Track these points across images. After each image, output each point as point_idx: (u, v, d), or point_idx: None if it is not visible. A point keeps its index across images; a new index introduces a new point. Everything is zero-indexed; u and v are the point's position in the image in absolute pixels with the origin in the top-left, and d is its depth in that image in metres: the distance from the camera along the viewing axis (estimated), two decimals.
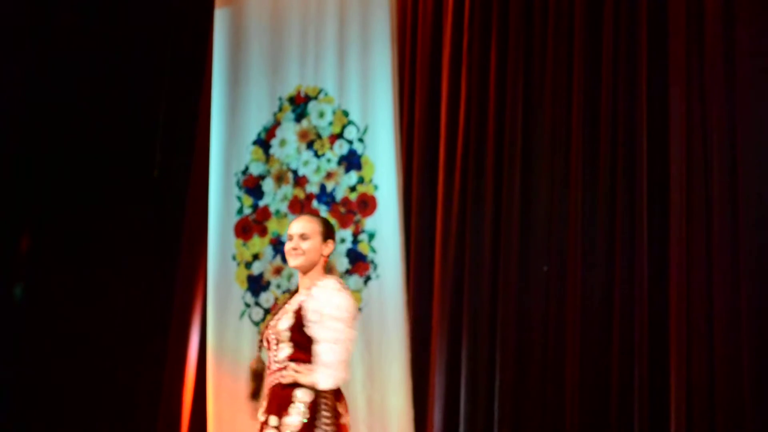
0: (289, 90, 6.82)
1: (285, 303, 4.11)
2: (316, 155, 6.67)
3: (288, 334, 3.98)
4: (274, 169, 6.77)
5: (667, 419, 5.56)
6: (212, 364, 6.60)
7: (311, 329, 3.95)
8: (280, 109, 6.82)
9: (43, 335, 7.12)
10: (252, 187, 6.81)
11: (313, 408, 3.89)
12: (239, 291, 6.66)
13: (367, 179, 6.51)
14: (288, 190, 6.71)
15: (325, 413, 3.89)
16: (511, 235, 6.14)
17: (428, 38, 6.64)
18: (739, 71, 5.70)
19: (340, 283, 4.07)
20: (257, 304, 6.63)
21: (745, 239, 5.54)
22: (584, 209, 6.01)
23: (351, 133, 6.61)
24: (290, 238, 4.10)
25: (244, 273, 6.70)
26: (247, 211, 6.79)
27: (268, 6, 6.95)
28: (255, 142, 6.85)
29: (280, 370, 3.97)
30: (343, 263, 6.46)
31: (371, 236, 6.44)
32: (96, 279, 7.13)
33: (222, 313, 6.65)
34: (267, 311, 6.52)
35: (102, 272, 7.12)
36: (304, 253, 4.07)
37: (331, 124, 6.66)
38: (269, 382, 3.99)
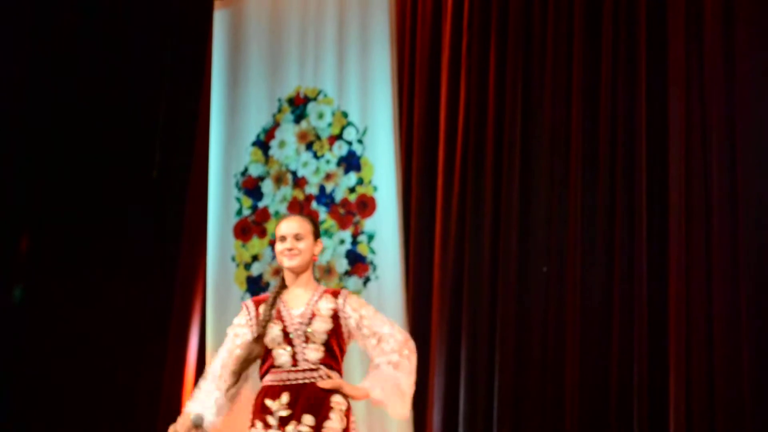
0: (289, 91, 6.83)
1: (277, 298, 4.08)
2: (316, 156, 6.67)
3: (325, 337, 4.03)
4: (274, 170, 6.77)
5: (667, 419, 5.56)
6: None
7: (367, 346, 4.09)
8: (280, 111, 6.83)
9: (43, 336, 7.11)
10: (251, 188, 6.81)
11: (348, 415, 4.01)
12: (238, 292, 6.66)
13: (366, 180, 6.51)
14: (287, 191, 6.71)
15: (353, 420, 4.04)
16: (510, 235, 6.14)
17: (427, 39, 6.64)
18: (738, 71, 5.71)
19: None
20: None
21: (745, 239, 5.54)
22: (584, 210, 6.01)
23: (350, 134, 6.61)
24: (283, 239, 4.10)
25: (244, 274, 6.71)
26: (247, 212, 6.80)
27: (268, 7, 6.95)
28: (254, 144, 6.85)
29: (311, 370, 3.99)
30: (342, 264, 6.46)
31: (370, 237, 6.44)
32: (95, 280, 7.12)
33: (221, 314, 6.64)
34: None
35: (101, 273, 7.11)
36: (300, 253, 4.08)
37: (330, 125, 6.66)
38: (291, 378, 3.98)
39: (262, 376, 4.05)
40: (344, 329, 4.08)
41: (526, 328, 6.05)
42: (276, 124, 6.82)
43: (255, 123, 6.87)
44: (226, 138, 6.90)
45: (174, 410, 6.77)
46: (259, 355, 4.04)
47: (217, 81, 6.97)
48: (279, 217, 6.64)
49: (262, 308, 4.09)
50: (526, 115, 6.27)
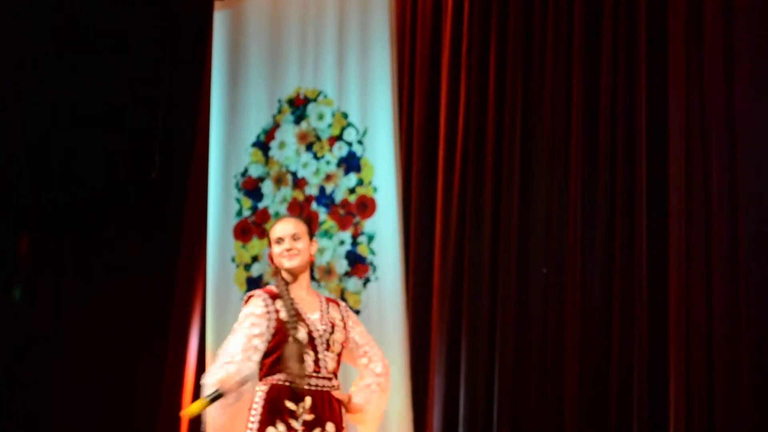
0: (289, 92, 6.83)
1: (292, 299, 4.06)
2: (316, 157, 6.67)
3: (340, 348, 4.07)
4: (274, 171, 6.77)
5: (667, 419, 5.56)
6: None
7: (359, 363, 4.16)
8: (280, 111, 6.83)
9: (43, 336, 7.12)
10: (251, 189, 6.81)
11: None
12: (238, 293, 6.66)
13: (366, 181, 6.51)
14: (287, 192, 6.71)
15: None
16: (510, 236, 6.14)
17: (427, 40, 6.64)
18: (738, 72, 5.71)
19: None
20: None
21: (745, 240, 5.54)
22: (584, 210, 6.01)
23: (350, 135, 6.61)
24: (280, 240, 4.08)
25: (244, 275, 6.70)
26: (247, 213, 6.80)
27: (268, 8, 6.95)
28: (254, 144, 6.85)
29: (328, 379, 4.01)
30: (342, 265, 6.46)
31: (370, 238, 6.44)
32: (95, 280, 7.13)
33: (221, 315, 6.64)
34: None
35: (101, 274, 7.12)
36: (299, 252, 4.08)
37: (330, 126, 6.66)
38: (313, 383, 3.97)
39: (268, 372, 3.99)
40: (349, 343, 4.13)
41: (526, 328, 6.05)
42: (276, 125, 6.82)
43: (255, 124, 6.87)
44: (226, 139, 6.89)
45: (174, 411, 6.81)
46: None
47: (217, 82, 6.97)
48: (279, 218, 6.64)
49: (279, 304, 4.04)
50: (526, 115, 6.27)
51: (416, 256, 6.42)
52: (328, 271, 6.48)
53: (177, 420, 6.80)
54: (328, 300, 4.18)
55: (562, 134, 6.15)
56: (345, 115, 6.64)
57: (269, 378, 3.97)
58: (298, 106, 6.77)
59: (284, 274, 4.11)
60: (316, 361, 3.98)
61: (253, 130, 6.87)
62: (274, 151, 6.79)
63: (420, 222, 6.48)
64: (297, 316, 3.99)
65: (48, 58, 7.31)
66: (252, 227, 6.76)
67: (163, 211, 7.17)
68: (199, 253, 6.91)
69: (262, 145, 6.83)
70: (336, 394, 4.02)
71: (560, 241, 6.03)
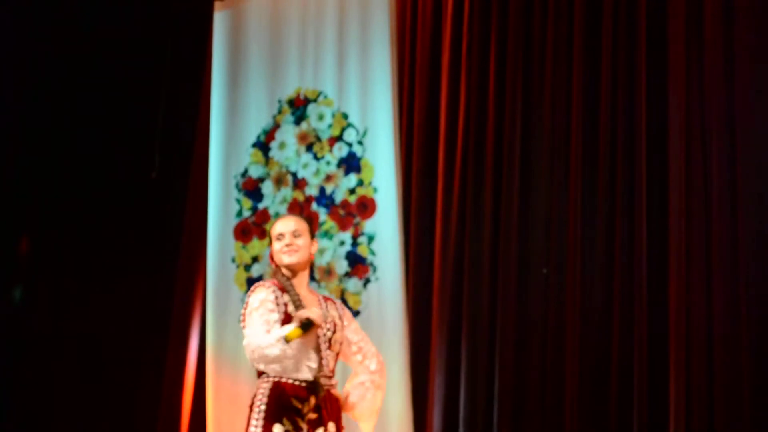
0: (289, 92, 6.83)
1: (296, 295, 4.06)
2: (316, 158, 6.67)
3: (339, 348, 4.06)
4: (274, 171, 6.77)
5: (666, 420, 5.56)
6: (212, 366, 6.59)
7: (352, 361, 4.17)
8: (280, 112, 6.83)
9: (43, 336, 7.12)
10: (251, 189, 6.81)
11: None
12: (238, 293, 6.66)
13: (366, 182, 6.51)
14: (287, 192, 6.71)
15: None
16: (510, 237, 6.14)
17: (428, 41, 6.64)
18: (738, 72, 5.71)
19: None
20: None
21: (745, 240, 5.54)
22: (584, 211, 6.01)
23: (350, 135, 6.61)
24: (281, 237, 4.09)
25: (244, 275, 6.70)
26: (247, 213, 6.79)
27: (268, 8, 6.95)
28: (254, 145, 6.85)
29: (328, 377, 4.02)
30: (342, 266, 6.46)
31: (370, 239, 6.44)
32: (95, 281, 7.13)
33: (221, 315, 6.64)
34: None
35: (101, 274, 7.13)
36: (299, 249, 4.09)
37: (330, 126, 6.66)
38: (323, 382, 3.98)
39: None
40: (343, 341, 4.15)
41: (526, 328, 6.05)
42: (276, 126, 6.82)
43: (255, 124, 6.87)
44: (226, 139, 6.89)
45: (174, 413, 6.81)
46: None
47: (217, 82, 6.97)
48: (280, 216, 6.64)
49: (287, 298, 4.03)
50: (526, 116, 6.27)
51: (416, 257, 6.42)
52: (328, 272, 6.48)
53: (177, 420, 6.81)
54: (326, 299, 4.19)
55: (562, 134, 6.15)
56: (345, 116, 6.64)
57: (272, 375, 3.96)
58: (299, 107, 6.78)
59: (284, 271, 4.11)
60: (320, 360, 3.98)
61: (253, 130, 6.87)
62: (275, 152, 6.79)
63: (420, 222, 6.48)
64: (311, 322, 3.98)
65: (48, 58, 7.32)
66: (252, 228, 6.76)
67: (163, 212, 7.17)
68: (199, 254, 6.91)
69: (262, 146, 6.83)
70: (334, 392, 4.03)
71: (560, 241, 6.03)
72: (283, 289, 4.05)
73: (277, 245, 4.10)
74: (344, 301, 6.37)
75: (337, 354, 4.11)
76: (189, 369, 6.86)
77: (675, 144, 5.75)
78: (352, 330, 4.18)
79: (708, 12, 5.80)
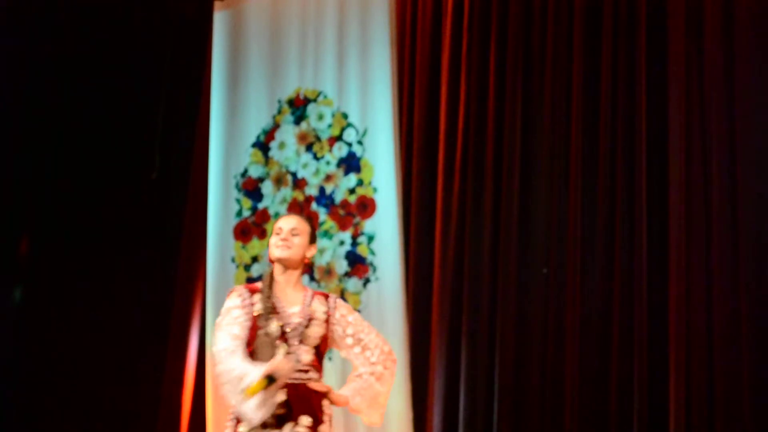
0: (289, 92, 6.83)
1: (271, 291, 4.07)
2: (315, 158, 6.68)
3: (317, 342, 4.06)
4: (273, 171, 6.77)
5: (666, 420, 5.56)
6: (211, 366, 6.59)
7: (350, 355, 4.13)
8: (280, 112, 6.83)
9: (42, 337, 7.12)
10: (251, 189, 6.81)
11: (330, 421, 4.07)
12: None
13: (366, 182, 6.51)
14: (287, 192, 6.71)
15: (333, 427, 4.08)
16: (510, 237, 6.14)
17: (427, 41, 6.64)
18: (738, 72, 5.71)
19: None
20: None
21: (745, 241, 5.54)
22: (584, 211, 6.01)
23: (350, 135, 6.61)
24: (279, 231, 4.13)
25: (243, 275, 6.71)
26: (246, 213, 6.80)
27: (268, 9, 6.95)
28: (254, 145, 6.85)
29: (302, 371, 4.00)
30: (342, 266, 6.46)
31: (370, 239, 6.44)
32: (95, 281, 7.13)
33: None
34: None
35: (101, 274, 7.12)
36: (292, 246, 4.10)
37: (330, 126, 6.66)
38: (297, 376, 3.98)
39: None
40: (330, 335, 4.12)
41: (526, 328, 6.05)
42: (276, 126, 6.82)
43: (255, 124, 6.87)
44: (226, 139, 6.90)
45: (174, 413, 6.81)
46: None
47: (217, 82, 6.97)
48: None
49: (257, 298, 4.06)
50: (526, 116, 6.27)
51: (416, 257, 6.42)
52: (328, 272, 6.48)
53: (177, 420, 6.81)
54: (317, 294, 4.16)
55: (562, 134, 6.15)
56: (345, 116, 6.64)
57: None
58: (298, 107, 6.78)
59: (276, 268, 4.12)
60: (288, 355, 4.00)
61: (253, 130, 6.87)
62: (274, 152, 6.79)
63: (420, 222, 6.47)
64: (271, 310, 4.01)
65: (48, 58, 7.32)
66: (252, 228, 6.76)
67: (163, 212, 7.17)
68: (199, 254, 6.91)
69: (262, 146, 6.83)
70: (314, 385, 4.01)
71: (560, 241, 6.03)
72: (255, 290, 4.07)
73: (273, 239, 4.13)
74: (344, 301, 6.36)
75: (319, 348, 4.07)
76: (189, 369, 6.86)
77: (675, 144, 5.75)
78: (351, 323, 4.15)
79: (708, 12, 5.80)
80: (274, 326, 3.99)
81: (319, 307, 4.10)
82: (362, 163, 6.54)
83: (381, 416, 4.14)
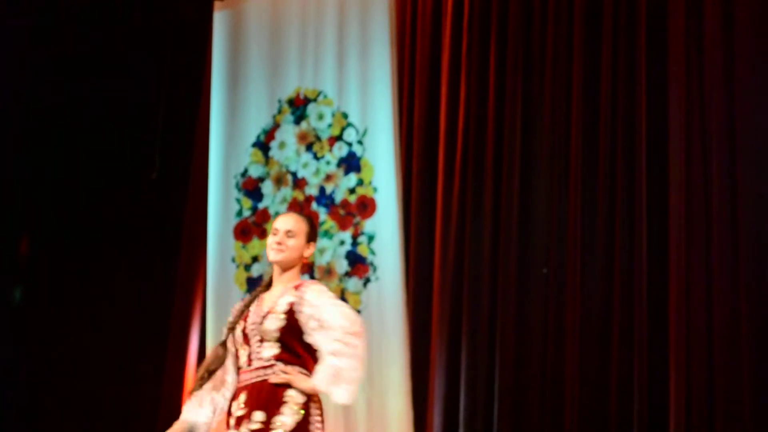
0: (289, 92, 6.83)
1: (256, 297, 4.08)
2: (316, 157, 6.67)
3: (277, 335, 3.99)
4: (274, 171, 6.77)
5: (667, 420, 5.55)
6: None
7: (315, 338, 3.98)
8: (280, 112, 6.83)
9: (43, 337, 7.12)
10: (251, 189, 6.81)
11: (306, 409, 3.92)
12: (239, 293, 6.66)
13: (366, 181, 6.51)
14: (287, 192, 6.71)
15: (316, 415, 3.94)
16: (510, 237, 6.13)
17: (427, 40, 6.64)
18: (738, 72, 5.70)
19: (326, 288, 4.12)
20: None
21: (745, 241, 5.53)
22: (584, 211, 6.00)
23: (350, 135, 6.61)
24: (275, 232, 4.10)
25: (244, 275, 6.70)
26: (247, 213, 6.80)
27: (268, 8, 6.95)
28: (254, 145, 6.85)
29: (264, 368, 3.95)
30: (342, 265, 6.46)
31: (370, 238, 6.44)
32: (96, 281, 7.13)
33: (221, 315, 6.63)
34: None
35: (101, 274, 7.13)
36: (287, 249, 4.07)
37: (330, 126, 6.66)
38: (248, 378, 3.96)
39: None
40: (297, 324, 4.00)
41: (526, 328, 6.05)
42: (276, 125, 6.82)
43: (255, 124, 6.87)
44: (226, 139, 6.90)
45: (174, 412, 6.80)
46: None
47: (217, 82, 6.97)
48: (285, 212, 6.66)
49: (239, 305, 4.12)
50: (526, 116, 6.27)
51: (416, 256, 6.42)
52: (329, 271, 6.48)
53: (177, 420, 6.81)
54: (296, 286, 4.09)
55: (562, 134, 6.15)
56: (345, 116, 6.63)
57: None
58: (298, 107, 6.77)
59: (274, 269, 4.12)
60: (249, 356, 3.99)
61: (253, 130, 6.87)
62: (274, 152, 6.79)
63: (420, 222, 6.47)
64: (236, 320, 4.05)
65: (48, 58, 7.32)
66: (252, 227, 6.76)
67: (164, 212, 7.17)
68: (199, 254, 6.91)
69: (262, 146, 6.83)
70: (273, 378, 3.96)
71: (560, 241, 6.03)
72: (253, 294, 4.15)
73: (270, 239, 4.12)
74: (344, 301, 6.36)
75: (282, 340, 4.02)
76: (189, 369, 6.86)
77: (675, 144, 5.75)
78: (314, 305, 4.00)
79: (708, 12, 5.79)
80: (238, 331, 4.04)
81: (283, 300, 4.05)
82: (362, 162, 6.53)
83: (350, 393, 3.91)
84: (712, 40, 5.77)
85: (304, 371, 3.96)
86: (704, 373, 5.49)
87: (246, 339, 4.00)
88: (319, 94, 6.73)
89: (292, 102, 6.80)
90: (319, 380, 3.90)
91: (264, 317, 4.01)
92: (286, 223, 4.12)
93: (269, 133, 6.83)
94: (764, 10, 5.67)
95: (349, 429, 6.17)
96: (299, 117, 6.76)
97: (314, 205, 6.60)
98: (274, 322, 3.99)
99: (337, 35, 6.70)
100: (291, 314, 3.99)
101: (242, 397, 3.94)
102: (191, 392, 4.13)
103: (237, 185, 6.83)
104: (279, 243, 4.07)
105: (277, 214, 6.67)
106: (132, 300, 7.02)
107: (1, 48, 7.05)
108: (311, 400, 3.94)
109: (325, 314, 3.97)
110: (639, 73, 5.94)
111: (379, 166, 6.48)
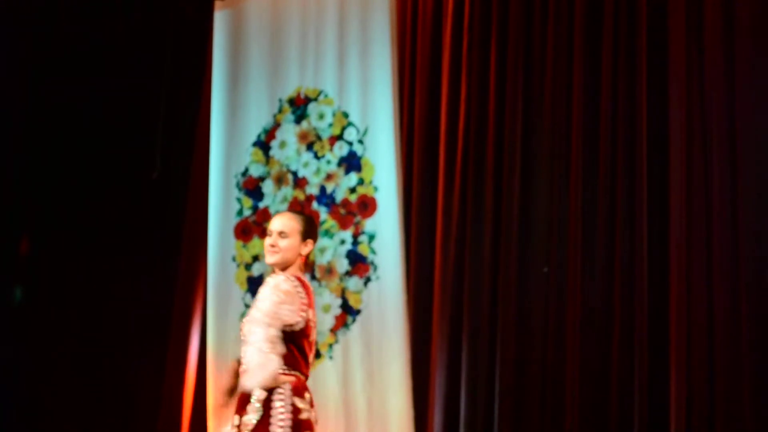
0: (289, 91, 6.82)
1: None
2: (316, 157, 6.67)
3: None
4: (274, 170, 6.77)
5: (667, 419, 5.56)
6: (212, 365, 6.59)
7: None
8: (280, 111, 6.82)
9: (43, 337, 7.11)
10: (252, 188, 6.81)
11: (267, 405, 3.92)
12: (239, 292, 6.66)
13: (367, 181, 6.51)
14: (288, 191, 6.70)
15: (279, 410, 3.93)
16: (511, 236, 6.14)
17: (428, 40, 6.65)
18: (738, 72, 5.71)
19: (294, 278, 4.05)
20: None
21: (745, 240, 5.54)
22: (584, 210, 6.01)
23: (351, 134, 6.61)
24: (269, 234, 4.11)
25: (244, 274, 6.70)
26: (247, 212, 6.79)
27: (268, 8, 6.95)
28: (255, 144, 6.85)
29: (244, 372, 3.98)
30: (343, 264, 6.46)
31: (371, 238, 6.44)
32: (96, 281, 7.13)
33: (222, 314, 6.64)
34: None
35: (102, 274, 7.12)
36: (280, 250, 4.08)
37: (330, 125, 6.66)
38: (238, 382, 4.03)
39: None
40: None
41: (526, 328, 6.05)
42: (276, 125, 6.82)
43: (255, 123, 6.86)
44: (226, 138, 6.89)
45: (175, 412, 6.81)
46: None
47: (218, 81, 6.96)
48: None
49: None
50: (526, 115, 6.27)
51: (417, 256, 6.42)
52: (329, 271, 6.48)
53: (178, 419, 6.81)
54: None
55: (562, 133, 6.15)
56: (345, 115, 6.63)
57: None
58: (299, 106, 6.77)
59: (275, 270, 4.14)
60: (239, 360, 4.07)
61: (253, 129, 6.86)
62: (275, 151, 6.79)
63: (421, 221, 6.48)
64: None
65: (49, 57, 7.32)
66: (253, 227, 6.76)
67: (164, 211, 7.17)
68: (200, 253, 6.90)
69: (263, 145, 6.83)
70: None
71: (561, 240, 6.04)
72: None
73: (266, 240, 4.12)
74: (345, 300, 6.38)
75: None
76: (190, 368, 6.86)
77: (675, 144, 5.76)
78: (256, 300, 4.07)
79: (708, 12, 5.80)
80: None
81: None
82: (363, 162, 6.53)
83: (248, 379, 3.92)
84: (713, 40, 5.78)
85: (285, 369, 3.96)
86: (705, 373, 5.50)
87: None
88: (319, 93, 6.73)
89: (292, 101, 6.80)
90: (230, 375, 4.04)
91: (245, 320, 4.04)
92: (278, 224, 4.14)
93: (270, 133, 6.83)
94: (764, 10, 5.68)
95: (349, 427, 6.17)
96: (300, 116, 6.76)
97: (315, 205, 6.60)
98: (246, 326, 4.02)
99: (337, 34, 6.70)
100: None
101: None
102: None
103: (238, 184, 6.83)
104: (272, 245, 4.09)
105: (277, 213, 6.66)
106: (132, 299, 7.01)
107: (1, 48, 7.05)
108: (273, 394, 3.93)
109: (253, 308, 4.00)
110: (639, 73, 5.95)
111: (379, 165, 6.48)
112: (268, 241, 4.10)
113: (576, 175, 6.04)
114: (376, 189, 6.47)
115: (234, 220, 6.80)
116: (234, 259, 6.75)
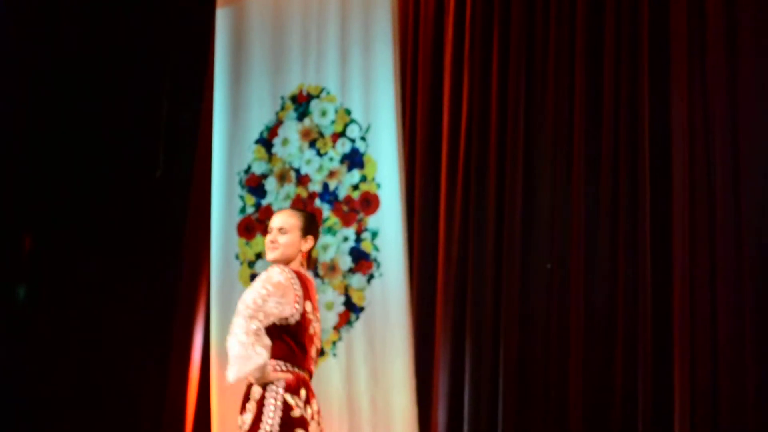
0: (291, 89, 6.82)
1: None
2: (319, 154, 6.67)
3: None
4: (277, 167, 6.77)
5: (671, 417, 5.55)
6: (216, 363, 6.60)
7: None
8: (283, 108, 6.82)
9: (46, 335, 7.11)
10: (254, 186, 6.81)
11: (260, 403, 3.93)
12: (242, 290, 6.61)
13: (369, 177, 6.50)
14: (290, 188, 6.70)
15: (270, 407, 3.92)
16: (514, 232, 6.14)
17: (430, 36, 6.65)
18: (741, 71, 5.70)
19: (290, 270, 4.04)
20: None
21: (749, 238, 5.54)
22: (587, 207, 6.01)
23: (353, 131, 6.60)
24: (269, 231, 4.12)
25: (247, 272, 6.70)
26: (250, 210, 6.79)
27: (270, 5, 6.95)
28: (257, 141, 6.84)
29: None
30: (346, 262, 6.45)
31: (374, 234, 6.44)
32: (99, 279, 7.12)
33: (225, 312, 6.63)
34: None
35: (105, 272, 7.11)
36: (279, 247, 4.08)
37: (333, 122, 6.66)
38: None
39: None
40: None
41: (529, 325, 6.06)
42: (279, 122, 6.82)
43: (258, 121, 6.86)
44: (229, 136, 6.89)
45: (178, 410, 6.80)
46: None
47: (220, 79, 6.96)
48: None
49: None
50: (529, 112, 6.27)
51: (420, 253, 6.43)
52: (332, 268, 6.48)
53: (182, 417, 6.80)
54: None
55: (565, 130, 6.15)
56: (348, 112, 6.63)
57: None
58: (301, 103, 6.77)
59: None
60: None
61: (256, 127, 6.86)
62: (277, 148, 6.79)
63: (424, 218, 6.48)
64: None
65: (50, 56, 7.31)
66: (255, 224, 6.76)
67: (167, 209, 7.16)
68: (203, 251, 6.91)
69: (265, 142, 6.82)
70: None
71: (564, 237, 6.03)
72: None
73: (266, 237, 4.14)
74: (348, 297, 6.37)
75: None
76: (193, 366, 6.86)
77: (678, 142, 5.76)
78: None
79: (710, 13, 5.79)
80: None
81: None
82: (365, 159, 6.53)
83: (230, 371, 3.91)
84: (715, 41, 5.78)
85: (282, 364, 3.96)
86: (708, 372, 5.51)
87: None
88: (321, 90, 6.72)
89: (294, 98, 6.80)
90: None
91: None
92: (277, 220, 4.15)
93: (272, 130, 6.82)
94: (766, 11, 5.66)
95: (353, 425, 6.17)
96: (302, 113, 6.75)
97: (317, 202, 6.59)
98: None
99: (339, 31, 6.70)
100: None
101: None
102: None
103: (240, 182, 6.83)
104: (272, 242, 4.10)
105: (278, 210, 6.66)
106: (135, 298, 7.00)
107: (1, 48, 7.04)
108: (267, 392, 3.93)
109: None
110: (642, 73, 5.95)
111: (382, 162, 6.48)
112: (268, 237, 4.11)
113: (579, 170, 6.04)
114: (378, 186, 6.46)
115: (237, 218, 6.80)
116: (237, 256, 6.75)
